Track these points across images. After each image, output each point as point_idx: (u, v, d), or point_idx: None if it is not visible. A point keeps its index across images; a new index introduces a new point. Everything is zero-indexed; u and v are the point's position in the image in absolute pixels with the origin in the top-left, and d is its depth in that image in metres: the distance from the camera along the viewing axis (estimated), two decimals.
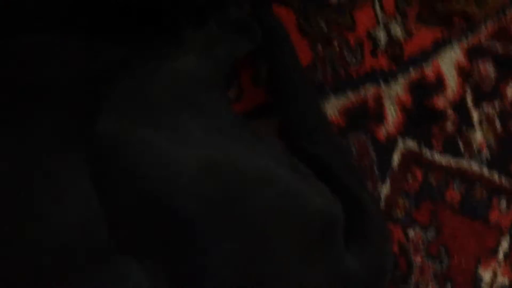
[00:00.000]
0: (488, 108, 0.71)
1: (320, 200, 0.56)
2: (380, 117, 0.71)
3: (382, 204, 0.67)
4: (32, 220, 0.50)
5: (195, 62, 0.64)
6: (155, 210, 0.51)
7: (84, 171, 0.52)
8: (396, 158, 0.70)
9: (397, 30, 0.75)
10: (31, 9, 0.56)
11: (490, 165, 0.68)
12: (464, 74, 0.72)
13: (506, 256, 0.66)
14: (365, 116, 0.71)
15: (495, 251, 0.66)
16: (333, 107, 0.72)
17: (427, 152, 0.70)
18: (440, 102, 0.72)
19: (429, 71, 0.73)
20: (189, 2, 0.67)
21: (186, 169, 0.52)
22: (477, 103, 0.71)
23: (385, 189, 0.68)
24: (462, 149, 0.69)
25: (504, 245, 0.66)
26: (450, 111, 0.71)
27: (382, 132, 0.71)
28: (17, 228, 0.49)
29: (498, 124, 0.70)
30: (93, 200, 0.51)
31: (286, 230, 0.52)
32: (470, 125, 0.70)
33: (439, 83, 0.72)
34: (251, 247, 0.51)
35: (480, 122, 0.70)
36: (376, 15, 0.75)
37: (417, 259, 0.65)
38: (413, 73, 0.73)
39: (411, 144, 0.70)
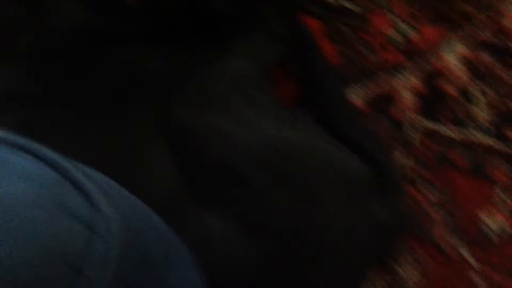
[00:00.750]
0: (484, 88, 0.85)
1: (354, 163, 0.70)
2: (396, 101, 0.86)
3: (402, 168, 0.81)
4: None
5: (243, 65, 0.80)
6: (227, 175, 0.65)
7: (165, 149, 0.67)
8: (414, 135, 0.84)
9: (407, 29, 0.89)
10: (124, 28, 0.72)
11: (492, 132, 0.82)
12: (466, 62, 0.87)
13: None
14: (384, 101, 0.86)
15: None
16: (356, 95, 0.86)
17: (439, 127, 0.84)
18: (447, 85, 0.86)
19: (436, 62, 0.87)
20: (232, 18, 0.83)
21: (250, 144, 0.67)
22: (475, 83, 0.85)
23: (403, 159, 0.83)
24: (465, 121, 0.83)
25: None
26: (454, 92, 0.85)
27: (399, 114, 0.85)
28: None
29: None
30: (172, 169, 0.66)
31: (330, 186, 0.67)
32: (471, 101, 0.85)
33: (445, 70, 0.87)
34: (306, 200, 0.65)
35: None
36: (389, 18, 0.90)
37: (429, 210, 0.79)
38: (423, 64, 0.87)
39: (425, 122, 0.84)
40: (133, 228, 0.38)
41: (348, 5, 0.92)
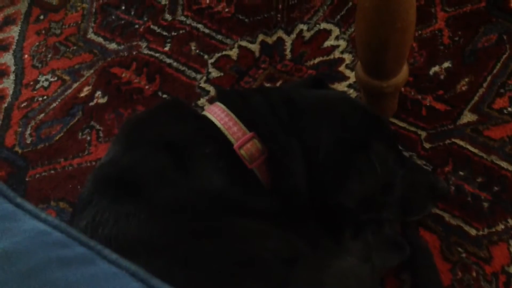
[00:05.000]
0: None
1: None
2: None
3: None
4: None
5: (356, 263, 0.77)
6: None
7: None
8: None
9: None
10: (252, 202, 0.72)
11: None
12: None
13: None
14: None
15: None
16: None
17: None
18: None
19: None
20: (352, 217, 0.82)
21: None
22: None
23: None
24: None
25: None
26: None
27: None
28: None
29: None
30: None
31: None
32: None
33: None
34: None
35: None
36: (510, 253, 0.86)
37: None
38: None
39: None
40: None
41: (464, 226, 0.90)
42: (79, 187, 1.01)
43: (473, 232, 0.89)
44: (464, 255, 0.87)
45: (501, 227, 0.88)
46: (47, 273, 0.36)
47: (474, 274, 0.85)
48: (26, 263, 0.37)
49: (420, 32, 1.11)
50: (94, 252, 0.40)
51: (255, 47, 1.16)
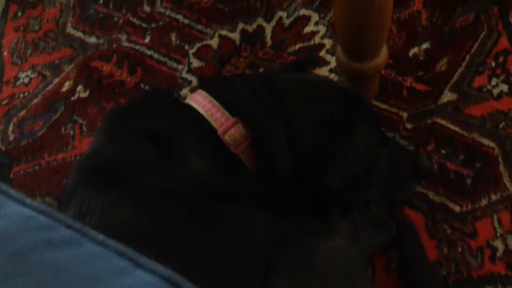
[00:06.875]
0: None
1: None
2: None
3: None
4: None
5: (344, 243, 0.77)
6: None
7: None
8: None
9: None
10: (237, 188, 0.73)
11: None
12: None
13: None
14: None
15: None
16: None
17: None
18: None
19: None
20: (339, 198, 0.83)
21: None
22: None
23: None
24: None
25: None
26: None
27: None
28: None
29: None
30: None
31: None
32: None
33: None
34: None
35: None
36: (494, 228, 0.87)
37: None
38: None
39: None
40: None
41: (448, 203, 0.91)
42: (64, 181, 1.00)
43: (457, 208, 0.90)
44: (449, 231, 0.88)
45: (484, 202, 0.90)
46: (34, 255, 0.37)
47: (459, 249, 0.86)
48: (13, 245, 0.37)
49: (398, 14, 1.12)
50: (81, 234, 0.40)
51: (235, 36, 1.16)
